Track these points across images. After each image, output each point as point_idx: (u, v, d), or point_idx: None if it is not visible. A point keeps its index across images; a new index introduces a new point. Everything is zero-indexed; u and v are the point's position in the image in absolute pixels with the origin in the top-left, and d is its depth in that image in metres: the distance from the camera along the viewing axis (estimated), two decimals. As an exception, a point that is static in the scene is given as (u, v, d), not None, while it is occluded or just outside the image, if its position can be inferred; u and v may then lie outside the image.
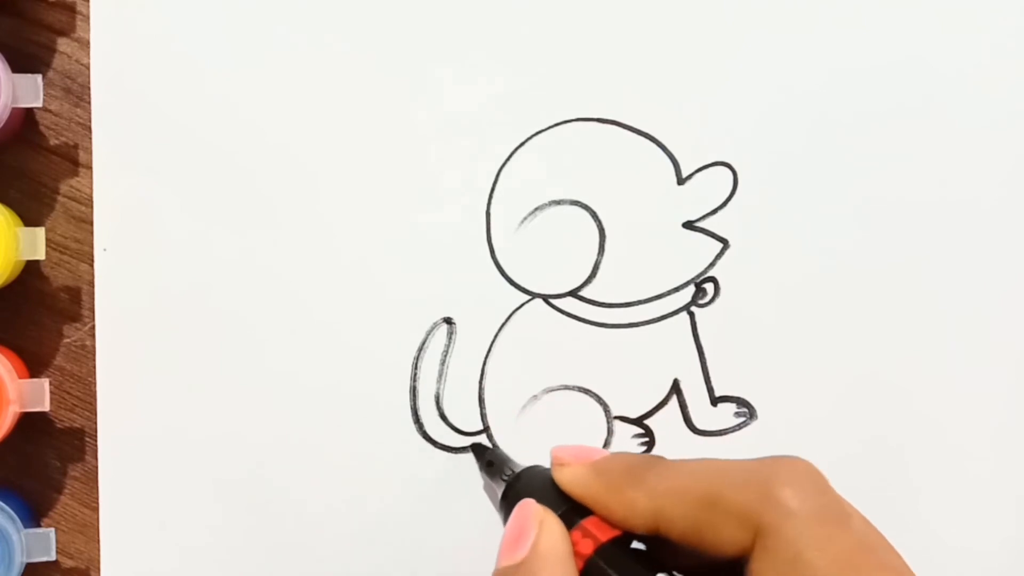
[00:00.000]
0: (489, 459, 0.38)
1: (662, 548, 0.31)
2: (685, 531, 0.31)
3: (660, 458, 0.33)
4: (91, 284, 0.38)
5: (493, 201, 0.39)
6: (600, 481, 0.33)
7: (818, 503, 0.29)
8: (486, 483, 0.39)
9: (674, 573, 0.31)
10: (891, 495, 0.40)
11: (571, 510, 0.33)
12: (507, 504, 0.35)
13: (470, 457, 0.39)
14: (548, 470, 0.35)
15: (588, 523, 0.32)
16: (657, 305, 0.40)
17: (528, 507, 0.33)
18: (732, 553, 0.30)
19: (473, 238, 0.39)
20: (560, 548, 0.32)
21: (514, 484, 0.36)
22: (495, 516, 0.39)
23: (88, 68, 0.38)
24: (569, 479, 0.34)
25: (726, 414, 0.40)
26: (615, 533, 0.32)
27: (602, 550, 0.32)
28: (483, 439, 0.39)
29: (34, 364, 0.39)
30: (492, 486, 0.38)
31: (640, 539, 0.32)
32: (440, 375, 0.39)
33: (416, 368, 0.39)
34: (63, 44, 0.39)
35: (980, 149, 0.40)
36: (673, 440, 0.40)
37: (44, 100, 0.37)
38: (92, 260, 0.38)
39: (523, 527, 0.33)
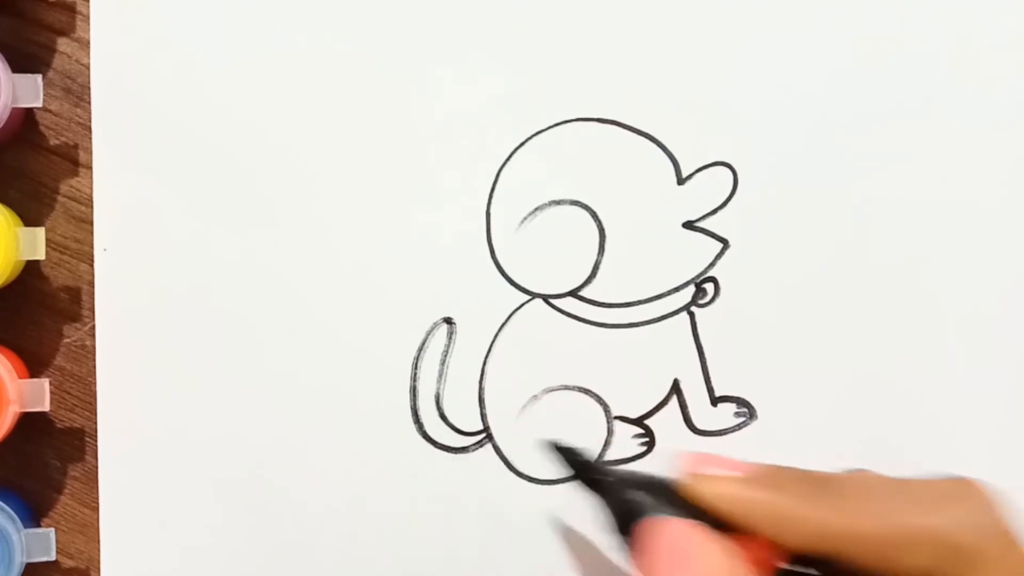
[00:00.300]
0: (592, 477, 0.32)
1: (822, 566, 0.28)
2: (867, 558, 0.28)
3: (826, 477, 0.29)
4: (91, 284, 0.38)
5: (493, 201, 0.39)
6: (762, 494, 0.28)
7: (1004, 553, 0.28)
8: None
9: None
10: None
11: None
12: (620, 518, 0.30)
13: (470, 457, 0.39)
14: (653, 477, 0.30)
15: (741, 543, 0.28)
16: (657, 305, 0.40)
17: (683, 534, 0.28)
18: None
19: (473, 238, 0.39)
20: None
21: (632, 512, 0.30)
22: (495, 516, 0.39)
23: (88, 68, 0.38)
24: (718, 494, 0.29)
25: (726, 414, 0.40)
26: (778, 557, 0.28)
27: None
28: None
29: (34, 364, 0.39)
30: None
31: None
32: (440, 375, 0.39)
33: (416, 368, 0.39)
34: (63, 44, 0.39)
35: (980, 149, 0.40)
36: (673, 440, 0.39)
37: (44, 100, 0.37)
38: (92, 260, 0.38)
39: (684, 561, 0.28)
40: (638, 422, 0.40)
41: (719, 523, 0.28)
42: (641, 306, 0.40)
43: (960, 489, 0.29)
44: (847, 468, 0.30)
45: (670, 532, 0.28)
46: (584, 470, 0.33)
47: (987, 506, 0.28)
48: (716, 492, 0.29)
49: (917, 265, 0.40)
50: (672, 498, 0.29)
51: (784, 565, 0.28)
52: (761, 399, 0.40)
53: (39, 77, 0.37)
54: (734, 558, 0.28)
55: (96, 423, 0.38)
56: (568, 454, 0.34)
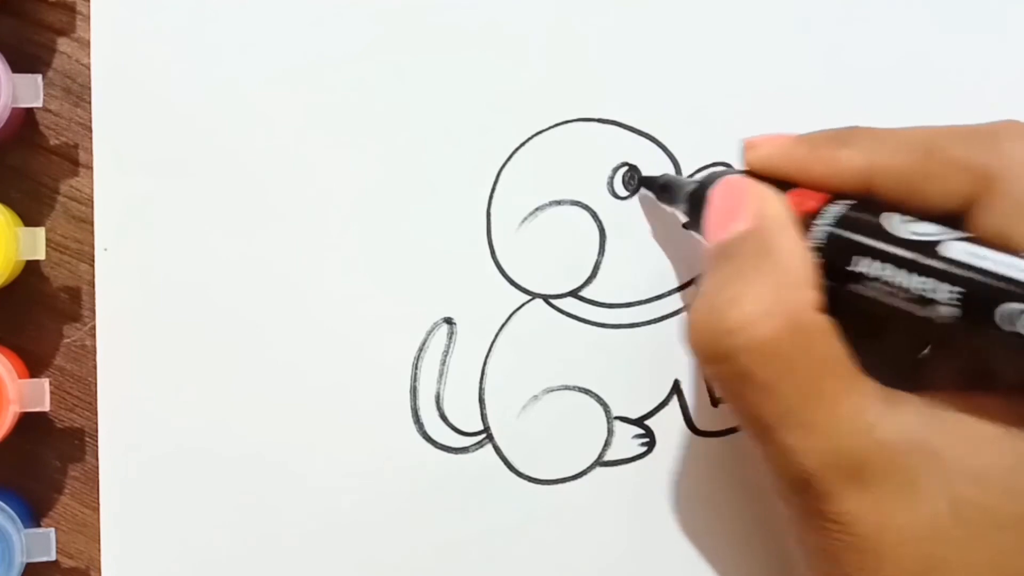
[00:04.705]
0: (663, 183, 0.37)
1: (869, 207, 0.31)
2: (900, 186, 0.30)
3: (862, 127, 0.33)
4: (91, 284, 0.38)
5: (493, 201, 0.39)
6: (803, 147, 0.33)
7: None
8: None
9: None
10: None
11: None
12: (698, 214, 0.34)
13: (470, 457, 0.39)
14: (734, 170, 0.35)
15: (793, 195, 0.32)
16: (657, 305, 0.40)
17: (737, 180, 0.33)
18: (951, 206, 0.30)
19: (473, 238, 0.39)
20: (786, 211, 0.31)
21: (700, 191, 0.35)
22: (495, 516, 0.39)
23: (88, 68, 0.38)
24: (766, 154, 0.33)
25: (727, 414, 0.40)
26: (825, 197, 0.31)
27: (823, 212, 0.31)
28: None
29: (34, 364, 0.39)
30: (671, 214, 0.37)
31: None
32: (440, 375, 0.39)
33: (416, 368, 0.39)
34: (63, 44, 0.39)
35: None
36: (673, 441, 0.39)
37: (44, 100, 0.37)
38: (92, 260, 0.38)
39: (738, 199, 0.32)
40: (638, 422, 0.40)
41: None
42: (642, 306, 0.40)
43: (1007, 128, 0.31)
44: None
45: (727, 186, 0.33)
46: (651, 183, 0.38)
47: None
48: (763, 155, 0.33)
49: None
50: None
51: (817, 203, 0.31)
52: (761, 399, 0.39)
53: (39, 77, 0.37)
54: (785, 200, 0.31)
55: (96, 423, 0.38)
56: (651, 181, 0.38)
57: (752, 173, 0.34)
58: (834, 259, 0.31)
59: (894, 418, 0.29)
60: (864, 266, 0.30)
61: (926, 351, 0.33)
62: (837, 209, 0.31)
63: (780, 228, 0.31)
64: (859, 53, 0.40)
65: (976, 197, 0.30)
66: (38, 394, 0.37)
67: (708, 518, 0.40)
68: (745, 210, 0.31)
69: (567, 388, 0.40)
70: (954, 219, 0.30)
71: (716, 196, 0.33)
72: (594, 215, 0.39)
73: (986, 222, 0.30)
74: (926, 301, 0.28)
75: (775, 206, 0.31)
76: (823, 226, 0.31)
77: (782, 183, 0.33)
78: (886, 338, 0.32)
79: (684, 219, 0.36)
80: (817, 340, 0.29)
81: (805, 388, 0.29)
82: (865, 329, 0.31)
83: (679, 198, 0.36)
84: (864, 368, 0.30)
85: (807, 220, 0.31)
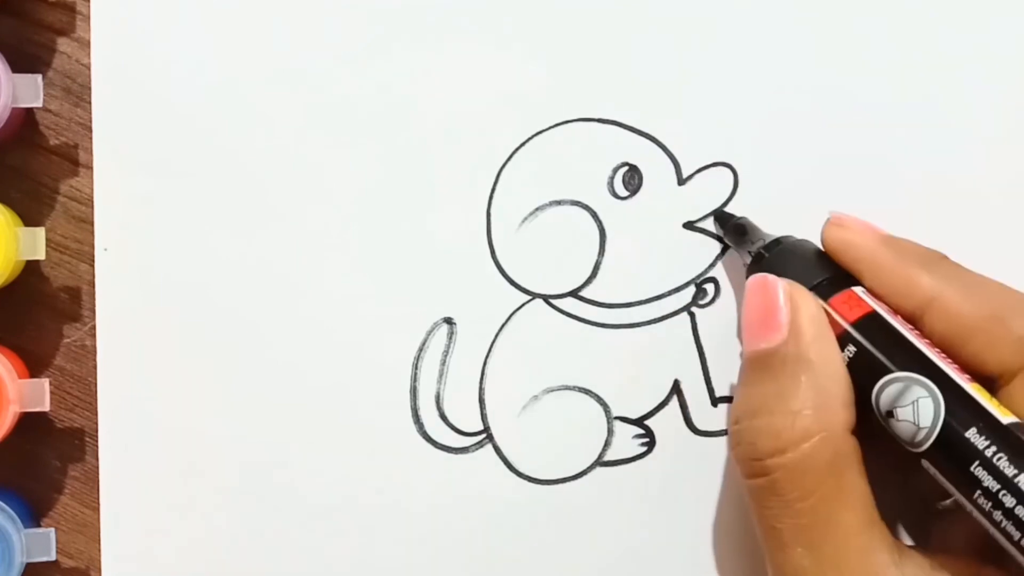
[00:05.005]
0: (738, 223, 0.37)
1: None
2: (952, 331, 0.31)
3: (947, 257, 0.33)
4: (91, 284, 0.38)
5: (493, 201, 0.39)
6: (888, 252, 0.32)
7: None
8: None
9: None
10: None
11: (829, 282, 0.32)
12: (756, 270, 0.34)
13: (470, 457, 0.39)
14: (806, 241, 0.34)
15: (841, 300, 0.32)
16: (657, 305, 0.40)
17: (770, 283, 0.33)
18: (990, 369, 0.30)
19: (473, 238, 0.39)
20: (821, 322, 0.31)
21: (766, 254, 0.35)
22: (495, 516, 0.39)
23: (88, 68, 0.38)
24: (850, 240, 0.33)
25: (727, 414, 0.40)
26: (869, 310, 0.31)
27: (863, 323, 0.31)
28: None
29: (34, 364, 0.39)
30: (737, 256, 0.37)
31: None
32: (440, 375, 0.39)
33: (416, 368, 0.39)
34: (63, 44, 0.39)
35: (982, 150, 0.40)
36: (673, 441, 0.39)
37: (44, 100, 0.37)
38: (92, 260, 0.38)
39: (771, 303, 0.32)
40: (638, 422, 0.40)
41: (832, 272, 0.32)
42: (641, 306, 0.40)
43: None
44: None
45: (760, 282, 0.33)
46: (724, 220, 0.38)
47: None
48: (845, 239, 0.33)
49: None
50: (806, 252, 0.34)
51: (862, 312, 0.31)
52: (761, 399, 0.39)
53: (39, 77, 0.37)
54: (819, 309, 0.32)
55: (96, 423, 0.38)
56: (727, 219, 0.38)
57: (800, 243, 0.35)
58: (861, 377, 0.31)
59: (897, 573, 0.30)
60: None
61: (948, 502, 0.34)
62: (876, 327, 0.31)
63: (817, 341, 0.31)
64: (859, 53, 0.40)
65: (1014, 375, 0.30)
66: (38, 394, 0.37)
67: (708, 518, 0.40)
68: (781, 319, 0.32)
69: (567, 388, 0.40)
70: (988, 381, 0.31)
71: (749, 294, 0.33)
72: (594, 215, 0.39)
73: (1019, 398, 0.30)
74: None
75: (811, 316, 0.32)
76: (861, 341, 0.31)
77: (816, 274, 0.33)
78: (910, 477, 0.33)
79: (746, 261, 0.37)
80: (846, 468, 0.30)
81: (824, 513, 0.30)
82: (893, 459, 0.31)
83: (744, 244, 0.37)
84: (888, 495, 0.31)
85: (842, 329, 0.32)
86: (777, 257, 0.35)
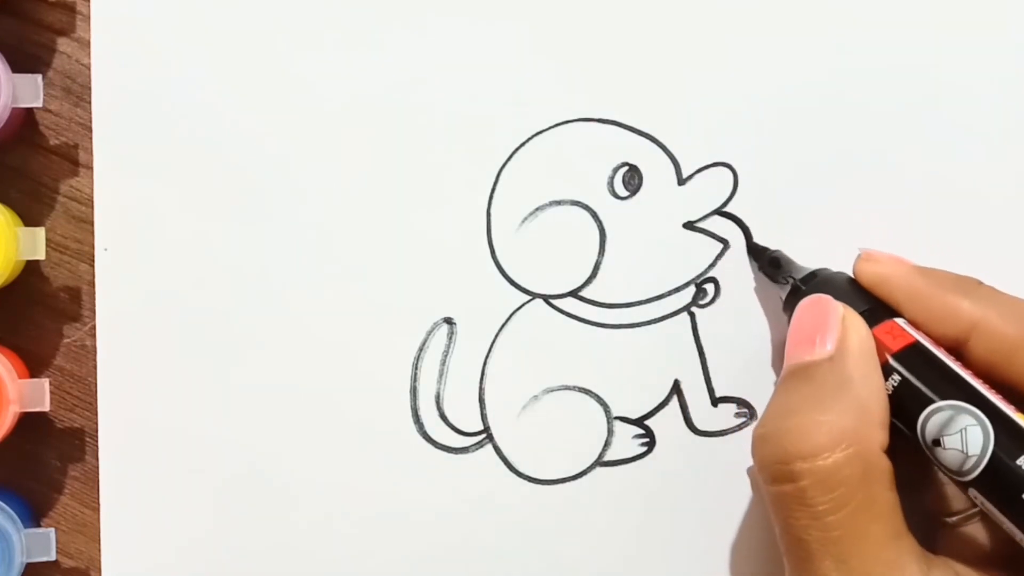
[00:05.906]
0: (773, 256, 0.37)
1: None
2: (998, 354, 0.31)
3: (982, 282, 0.33)
4: (91, 284, 0.38)
5: (493, 201, 0.39)
6: (922, 281, 0.33)
7: None
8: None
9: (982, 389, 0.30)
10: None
11: (869, 313, 0.32)
12: (794, 306, 0.35)
13: (470, 457, 0.39)
14: (842, 273, 0.35)
15: (884, 329, 0.32)
16: (657, 305, 0.40)
17: (826, 302, 0.33)
18: None
19: (473, 238, 0.39)
20: (869, 346, 0.32)
21: (803, 286, 0.35)
22: (495, 516, 0.39)
23: (88, 68, 0.38)
24: (884, 273, 0.33)
25: (727, 414, 0.40)
26: (912, 340, 0.32)
27: (906, 353, 0.31)
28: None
29: (34, 364, 0.39)
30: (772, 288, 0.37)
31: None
32: (440, 375, 0.39)
33: (416, 368, 0.39)
34: (63, 44, 0.39)
35: (983, 150, 0.40)
36: (673, 441, 0.39)
37: (44, 100, 0.37)
38: (92, 260, 0.38)
39: (823, 322, 0.32)
40: (638, 422, 0.40)
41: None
42: (641, 306, 0.40)
43: None
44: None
45: (815, 305, 0.33)
46: (759, 253, 0.38)
47: None
48: (878, 273, 0.33)
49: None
50: (842, 284, 0.34)
51: (906, 342, 0.32)
52: (761, 399, 0.39)
53: (39, 77, 0.37)
54: (869, 333, 0.32)
55: (96, 423, 0.38)
56: (761, 252, 0.38)
57: (848, 280, 0.35)
58: (906, 406, 0.31)
59: None
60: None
61: (956, 519, 0.34)
62: (919, 357, 0.32)
63: (863, 362, 0.31)
64: (860, 53, 0.40)
65: None
66: (38, 394, 0.37)
67: (708, 518, 0.40)
68: (830, 335, 0.32)
69: (567, 388, 0.40)
70: None
71: (802, 312, 0.33)
72: (594, 215, 0.39)
73: None
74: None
75: (860, 337, 0.32)
76: (904, 371, 0.32)
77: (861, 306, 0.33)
78: (917, 493, 0.33)
79: (782, 296, 0.37)
80: (877, 482, 0.30)
81: (854, 526, 0.30)
82: (900, 476, 0.31)
83: (779, 277, 0.37)
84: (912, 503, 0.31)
85: (887, 357, 0.32)
86: (814, 289, 0.35)
